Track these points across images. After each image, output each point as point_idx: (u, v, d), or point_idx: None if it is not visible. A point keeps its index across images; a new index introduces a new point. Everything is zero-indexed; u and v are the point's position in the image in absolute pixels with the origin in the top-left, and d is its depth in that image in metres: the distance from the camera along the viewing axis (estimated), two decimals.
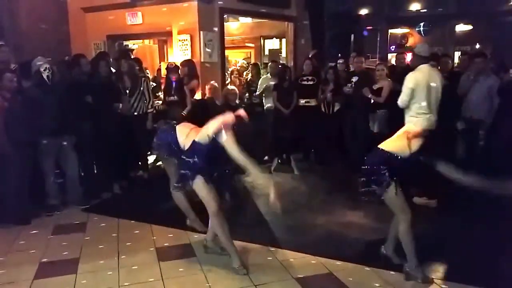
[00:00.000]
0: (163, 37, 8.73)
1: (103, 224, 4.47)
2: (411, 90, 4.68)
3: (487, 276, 3.26)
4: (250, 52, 12.59)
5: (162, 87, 7.00)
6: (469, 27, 13.81)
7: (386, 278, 3.31)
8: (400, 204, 3.20)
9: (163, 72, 7.56)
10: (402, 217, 3.22)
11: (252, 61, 10.98)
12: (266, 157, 7.00)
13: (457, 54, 11.54)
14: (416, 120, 4.60)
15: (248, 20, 11.39)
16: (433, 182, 4.61)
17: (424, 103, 4.67)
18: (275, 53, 11.23)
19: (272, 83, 6.91)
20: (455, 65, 7.74)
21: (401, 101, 4.78)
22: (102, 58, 5.59)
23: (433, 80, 4.74)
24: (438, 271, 3.42)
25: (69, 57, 5.95)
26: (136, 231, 4.25)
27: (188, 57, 7.39)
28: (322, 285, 3.24)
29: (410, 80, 4.71)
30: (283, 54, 10.76)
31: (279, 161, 6.80)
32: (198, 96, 6.97)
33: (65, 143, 4.79)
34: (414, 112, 4.72)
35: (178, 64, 6.74)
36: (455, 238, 3.94)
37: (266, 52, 11.82)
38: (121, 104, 5.37)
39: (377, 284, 3.24)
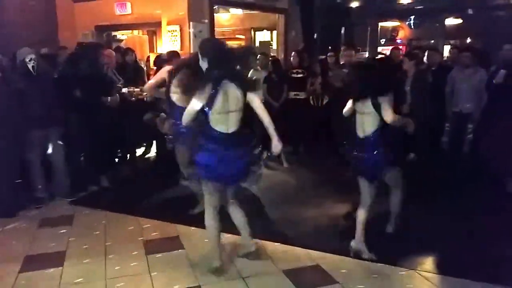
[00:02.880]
0: (153, 28, 8.65)
1: (90, 217, 4.44)
2: None
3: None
4: (241, 44, 12.52)
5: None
6: (459, 20, 13.89)
7: (372, 269, 3.33)
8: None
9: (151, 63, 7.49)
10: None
11: None
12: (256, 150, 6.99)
13: (447, 48, 11.61)
14: None
15: (239, 11, 11.32)
16: None
17: None
18: (265, 45, 11.19)
19: (262, 75, 6.87)
20: (445, 58, 7.80)
21: None
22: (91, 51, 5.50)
23: None
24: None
25: (55, 48, 5.85)
26: (124, 224, 4.23)
27: (178, 48, 7.32)
28: (309, 277, 3.26)
29: None
30: (274, 46, 10.73)
31: (269, 154, 6.79)
32: None
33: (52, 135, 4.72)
34: None
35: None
36: None
37: (257, 44, 11.78)
38: (109, 98, 5.30)
39: (363, 276, 3.27)
